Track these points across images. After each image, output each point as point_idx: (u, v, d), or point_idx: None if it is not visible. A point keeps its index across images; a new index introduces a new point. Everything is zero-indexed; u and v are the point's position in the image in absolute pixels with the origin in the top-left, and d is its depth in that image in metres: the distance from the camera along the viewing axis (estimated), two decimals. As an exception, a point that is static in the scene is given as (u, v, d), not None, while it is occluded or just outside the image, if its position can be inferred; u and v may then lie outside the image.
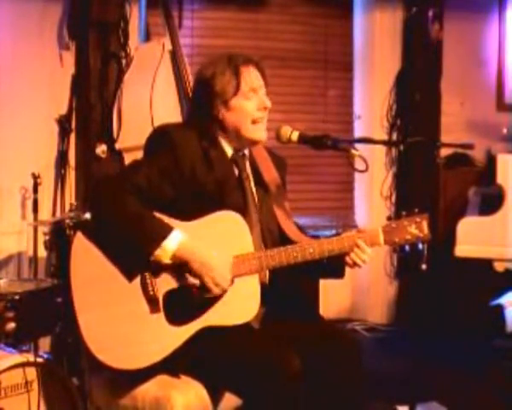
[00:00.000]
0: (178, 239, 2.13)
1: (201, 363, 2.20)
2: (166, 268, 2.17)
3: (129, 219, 2.15)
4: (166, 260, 2.14)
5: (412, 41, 4.96)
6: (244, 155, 2.40)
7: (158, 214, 2.20)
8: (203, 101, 2.32)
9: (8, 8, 4.01)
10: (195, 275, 2.16)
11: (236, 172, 2.36)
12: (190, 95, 3.58)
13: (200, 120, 2.33)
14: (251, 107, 2.31)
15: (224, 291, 2.18)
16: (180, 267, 2.16)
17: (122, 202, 2.16)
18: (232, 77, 2.29)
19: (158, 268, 2.17)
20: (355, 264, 2.30)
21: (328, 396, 2.21)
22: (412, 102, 4.91)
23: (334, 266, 2.34)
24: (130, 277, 2.18)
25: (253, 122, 2.32)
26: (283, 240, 2.36)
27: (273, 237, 2.37)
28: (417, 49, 4.93)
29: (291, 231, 2.39)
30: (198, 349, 2.17)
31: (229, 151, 2.36)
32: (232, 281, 2.20)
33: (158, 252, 2.13)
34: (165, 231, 2.13)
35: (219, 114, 2.30)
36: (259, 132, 2.34)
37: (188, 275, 2.17)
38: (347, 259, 2.30)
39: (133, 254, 2.16)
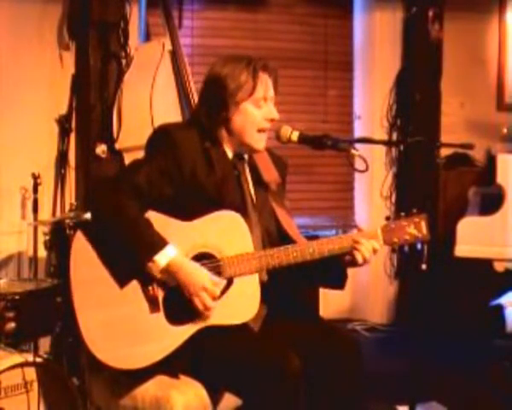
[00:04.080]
0: (170, 255, 2.13)
1: (201, 363, 2.20)
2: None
3: (126, 225, 2.15)
4: (156, 273, 2.14)
5: (412, 41, 4.96)
6: (243, 158, 2.40)
7: (158, 214, 2.21)
8: (215, 97, 2.29)
9: (8, 9, 4.01)
10: (184, 291, 2.16)
11: (236, 172, 2.36)
12: (194, 94, 3.64)
13: (206, 118, 2.31)
14: (259, 116, 2.30)
15: (209, 312, 2.17)
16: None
17: (120, 205, 2.16)
18: (249, 79, 2.27)
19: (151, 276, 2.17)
20: (356, 262, 2.30)
21: (329, 397, 2.21)
22: (412, 102, 4.91)
23: (335, 275, 2.35)
24: (126, 279, 2.18)
25: (259, 131, 2.32)
26: (284, 240, 2.35)
27: (272, 238, 2.37)
28: (417, 49, 4.93)
29: (293, 231, 2.40)
30: (198, 349, 2.17)
31: (229, 153, 2.36)
32: (232, 281, 2.21)
33: (149, 264, 2.13)
34: (159, 245, 2.13)
35: (228, 113, 2.29)
36: (261, 142, 2.34)
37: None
38: (348, 257, 2.30)
39: (128, 260, 2.16)
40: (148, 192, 2.20)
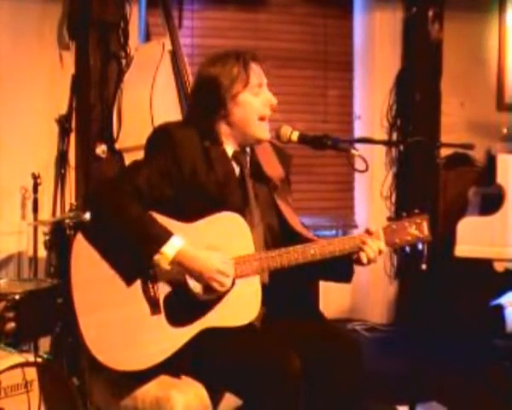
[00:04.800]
0: (178, 245, 2.13)
1: (202, 364, 2.20)
2: (166, 272, 2.17)
3: (129, 223, 2.15)
4: (165, 265, 2.14)
5: (412, 41, 4.96)
6: (245, 152, 2.39)
7: (159, 216, 2.20)
8: (210, 96, 2.29)
9: (8, 9, 4.01)
10: (197, 279, 2.16)
11: (237, 170, 2.35)
12: (191, 93, 3.63)
13: (204, 117, 2.31)
14: (258, 103, 2.31)
15: (227, 290, 2.18)
16: (180, 271, 2.16)
17: (122, 205, 2.16)
18: (242, 71, 2.28)
19: (158, 272, 2.17)
20: (361, 262, 2.30)
21: (329, 396, 2.21)
22: (412, 102, 4.91)
23: (342, 269, 2.34)
24: (130, 280, 2.18)
25: (260, 119, 2.32)
26: (288, 235, 2.35)
27: (275, 234, 2.37)
28: (417, 49, 4.93)
29: (298, 225, 2.39)
30: (199, 350, 2.17)
31: (230, 150, 2.35)
32: (233, 282, 2.20)
33: (157, 257, 2.13)
34: (165, 236, 2.13)
35: (227, 108, 2.29)
36: (265, 131, 2.34)
37: (189, 279, 2.17)
38: (354, 256, 2.30)
39: (133, 258, 2.16)
40: (149, 194, 2.20)
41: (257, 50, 2.39)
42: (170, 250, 2.13)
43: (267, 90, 2.35)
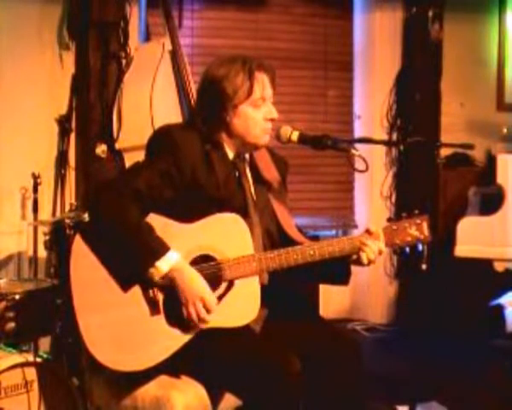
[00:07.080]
0: (172, 261, 2.13)
1: (202, 364, 2.20)
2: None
3: (127, 229, 2.15)
4: (158, 278, 2.14)
5: (412, 41, 4.96)
6: (244, 157, 2.40)
7: (158, 217, 2.21)
8: (211, 101, 2.29)
9: (8, 9, 4.01)
10: (181, 301, 2.15)
11: (237, 174, 2.35)
12: (194, 94, 3.63)
13: (205, 120, 2.31)
14: (259, 116, 2.30)
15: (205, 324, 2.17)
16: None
17: (122, 210, 2.16)
18: (246, 81, 2.26)
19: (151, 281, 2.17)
20: (362, 263, 2.29)
21: (329, 397, 2.21)
22: (412, 102, 4.91)
23: (339, 271, 2.34)
24: (126, 284, 2.18)
25: (263, 132, 2.32)
26: (284, 241, 2.35)
27: (273, 238, 2.37)
28: (417, 49, 4.93)
29: (292, 231, 2.39)
30: (199, 351, 2.17)
31: (230, 154, 2.35)
32: (233, 283, 2.20)
33: (151, 270, 2.13)
34: (161, 251, 2.13)
35: (227, 117, 2.29)
36: (265, 139, 2.34)
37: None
38: (353, 256, 2.29)
39: (129, 265, 2.16)
40: (149, 196, 2.19)
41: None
42: (164, 266, 2.13)
43: (270, 104, 2.32)
